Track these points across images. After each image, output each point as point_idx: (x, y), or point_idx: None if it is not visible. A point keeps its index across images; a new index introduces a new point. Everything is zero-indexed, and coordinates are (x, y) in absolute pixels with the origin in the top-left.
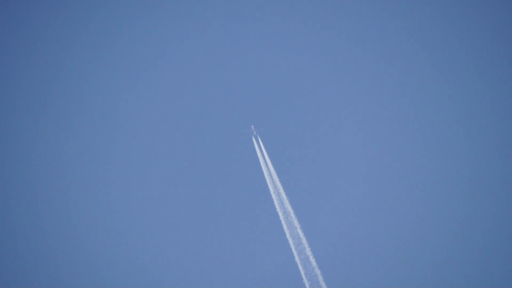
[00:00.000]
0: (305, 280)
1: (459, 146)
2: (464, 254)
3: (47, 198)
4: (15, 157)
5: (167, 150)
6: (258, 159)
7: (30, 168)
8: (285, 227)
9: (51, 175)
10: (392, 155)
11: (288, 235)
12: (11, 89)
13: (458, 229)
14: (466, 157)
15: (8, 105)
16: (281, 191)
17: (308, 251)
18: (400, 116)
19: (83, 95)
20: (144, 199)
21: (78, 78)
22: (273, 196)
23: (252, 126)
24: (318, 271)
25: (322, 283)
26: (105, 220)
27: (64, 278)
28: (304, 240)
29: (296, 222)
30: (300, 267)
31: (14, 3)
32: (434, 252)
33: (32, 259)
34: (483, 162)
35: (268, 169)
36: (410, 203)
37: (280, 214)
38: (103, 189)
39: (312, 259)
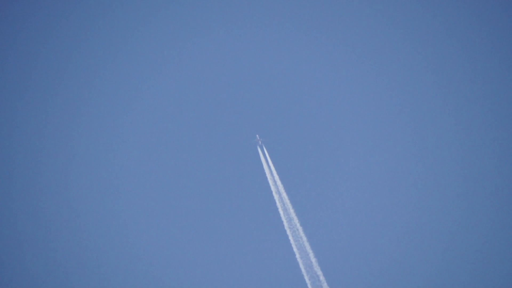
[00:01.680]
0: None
1: (459, 150)
2: (463, 256)
3: (49, 199)
4: (17, 160)
5: (173, 160)
6: (263, 168)
7: (32, 169)
8: (290, 236)
9: (53, 176)
10: (396, 162)
11: (293, 243)
12: (13, 92)
13: (459, 232)
14: (465, 160)
15: (9, 109)
16: (287, 200)
17: (313, 258)
18: (404, 124)
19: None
20: (151, 208)
21: (84, 81)
22: (278, 206)
23: (257, 135)
24: (323, 278)
25: None
26: (123, 228)
27: (65, 278)
28: (308, 248)
29: (301, 233)
30: (306, 278)
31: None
32: (443, 260)
33: (33, 260)
34: (482, 165)
35: (273, 178)
36: (415, 214)
37: (284, 222)
38: (122, 204)
39: (317, 269)
